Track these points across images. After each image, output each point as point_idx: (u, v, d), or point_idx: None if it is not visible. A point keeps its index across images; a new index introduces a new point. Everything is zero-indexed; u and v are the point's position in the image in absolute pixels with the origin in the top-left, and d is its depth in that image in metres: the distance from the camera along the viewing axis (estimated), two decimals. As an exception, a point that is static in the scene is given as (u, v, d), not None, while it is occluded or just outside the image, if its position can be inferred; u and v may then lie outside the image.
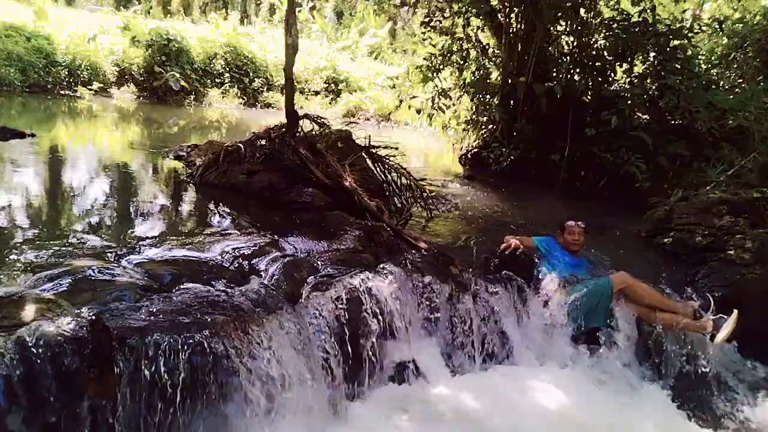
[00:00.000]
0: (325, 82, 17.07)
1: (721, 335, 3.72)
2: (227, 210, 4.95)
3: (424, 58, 8.72)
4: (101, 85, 13.20)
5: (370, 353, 3.29)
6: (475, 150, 8.53)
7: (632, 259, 4.71)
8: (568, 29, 7.83)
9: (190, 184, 5.50)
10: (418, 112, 9.13)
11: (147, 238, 3.76)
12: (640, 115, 7.28)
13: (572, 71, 7.75)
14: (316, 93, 16.84)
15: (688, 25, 7.38)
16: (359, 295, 3.30)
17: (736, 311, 3.76)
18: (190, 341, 2.48)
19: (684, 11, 8.58)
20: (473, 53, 8.56)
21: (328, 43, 20.24)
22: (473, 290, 3.81)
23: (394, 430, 3.00)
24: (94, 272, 2.87)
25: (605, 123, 6.77)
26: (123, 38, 14.09)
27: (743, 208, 4.76)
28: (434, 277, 3.78)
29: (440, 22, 8.67)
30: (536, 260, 4.27)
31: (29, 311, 2.36)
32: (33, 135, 6.95)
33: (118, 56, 13.83)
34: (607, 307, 3.88)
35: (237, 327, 2.68)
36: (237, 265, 3.33)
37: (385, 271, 3.55)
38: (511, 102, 7.98)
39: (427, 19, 8.69)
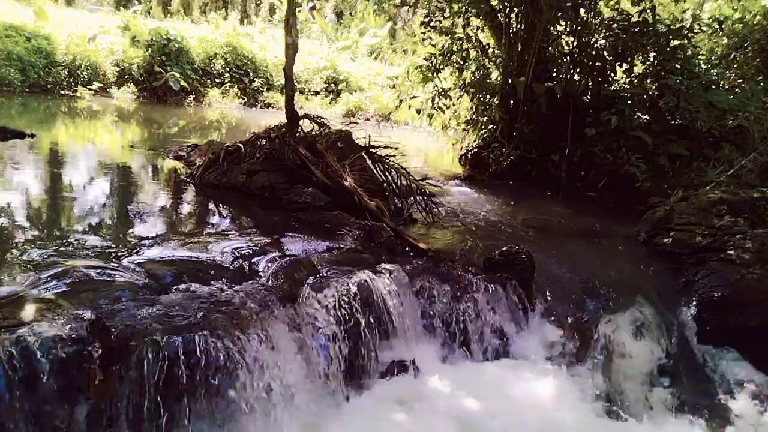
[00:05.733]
0: (325, 82, 17.05)
1: None
2: (227, 210, 4.95)
3: (424, 58, 8.71)
4: (101, 85, 13.19)
5: (370, 351, 3.29)
6: (475, 150, 8.52)
7: (629, 264, 4.70)
8: (568, 29, 7.82)
9: (190, 184, 5.50)
10: (418, 112, 9.13)
11: (147, 238, 3.76)
12: (640, 115, 7.27)
13: (572, 71, 7.74)
14: (316, 93, 16.82)
15: (688, 25, 7.37)
16: (359, 295, 3.30)
17: None
18: (190, 341, 2.48)
19: (684, 11, 8.57)
20: (473, 53, 8.55)
21: (328, 43, 20.20)
22: (472, 290, 3.81)
23: (392, 427, 3.01)
24: (94, 272, 2.87)
25: (605, 123, 6.77)
26: (123, 38, 14.07)
27: (743, 208, 4.75)
28: (433, 276, 3.78)
29: (440, 22, 8.66)
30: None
31: (29, 311, 2.36)
32: (33, 135, 6.95)
33: (118, 56, 13.81)
34: None
35: (237, 327, 2.68)
36: (237, 265, 3.34)
37: (385, 271, 3.55)
38: (511, 102, 7.97)
39: (427, 19, 8.69)
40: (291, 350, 2.88)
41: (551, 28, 7.76)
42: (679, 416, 3.61)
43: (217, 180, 5.34)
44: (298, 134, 5.41)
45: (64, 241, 3.52)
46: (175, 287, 2.89)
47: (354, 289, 3.31)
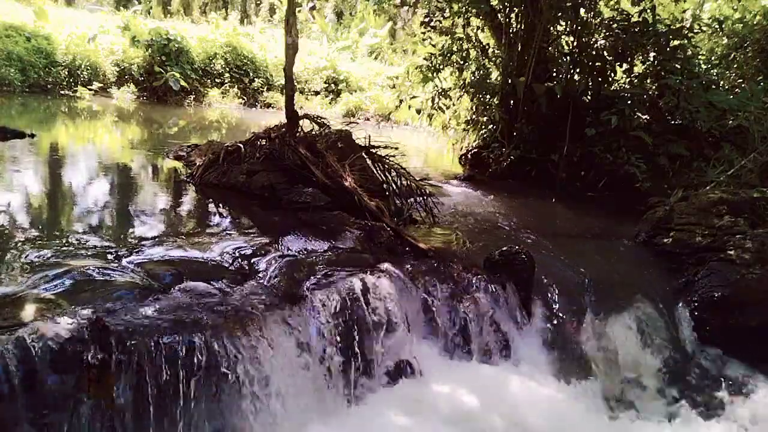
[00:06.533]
0: (325, 82, 17.05)
1: None
2: (227, 210, 4.95)
3: (424, 58, 8.71)
4: (101, 85, 13.18)
5: (370, 352, 3.29)
6: (475, 150, 8.52)
7: (629, 264, 4.70)
8: (568, 29, 7.82)
9: (190, 184, 5.50)
10: (418, 112, 9.12)
11: (147, 238, 3.76)
12: (640, 115, 7.27)
13: (572, 71, 7.74)
14: (316, 93, 16.81)
15: (688, 25, 7.37)
16: (359, 295, 3.30)
17: None
18: (190, 341, 2.48)
19: (684, 11, 8.57)
20: (473, 53, 8.55)
21: (328, 43, 20.19)
22: (472, 290, 3.81)
23: (394, 428, 3.01)
24: (94, 272, 2.87)
25: (605, 123, 6.77)
26: (123, 38, 14.06)
27: (743, 208, 4.76)
28: (434, 276, 3.78)
29: (440, 22, 8.66)
30: None
31: (29, 311, 2.36)
32: (33, 135, 6.94)
33: (118, 56, 13.80)
34: None
35: (237, 327, 2.68)
36: (237, 265, 3.34)
37: (385, 271, 3.55)
38: (511, 102, 7.97)
39: (427, 19, 8.69)
40: (292, 351, 2.88)
41: (551, 28, 7.76)
42: (679, 415, 3.61)
43: (217, 180, 5.34)
44: (298, 134, 5.40)
45: (64, 241, 3.52)
46: (175, 287, 2.89)
47: (354, 289, 3.31)
